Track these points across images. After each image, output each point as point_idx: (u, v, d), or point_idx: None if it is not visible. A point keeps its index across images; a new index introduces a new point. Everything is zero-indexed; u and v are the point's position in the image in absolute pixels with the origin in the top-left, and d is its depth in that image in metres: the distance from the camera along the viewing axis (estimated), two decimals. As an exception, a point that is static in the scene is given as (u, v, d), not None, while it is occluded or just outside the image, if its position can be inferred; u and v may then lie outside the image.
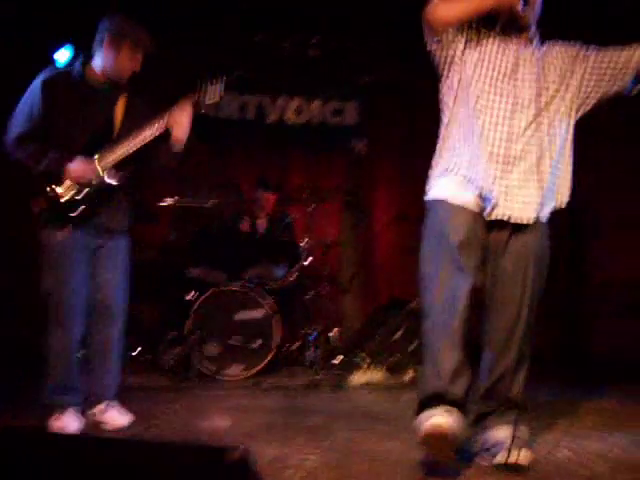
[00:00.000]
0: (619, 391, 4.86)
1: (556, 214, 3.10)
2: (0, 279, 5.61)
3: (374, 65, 6.54)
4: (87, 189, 3.54)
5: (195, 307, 5.11)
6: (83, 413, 3.68)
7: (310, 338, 5.46)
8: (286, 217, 5.99)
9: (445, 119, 3.16)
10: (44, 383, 3.61)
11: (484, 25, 3.09)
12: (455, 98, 3.11)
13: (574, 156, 3.11)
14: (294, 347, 5.50)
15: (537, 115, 3.02)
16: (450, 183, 3.04)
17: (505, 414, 3.06)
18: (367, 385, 5.05)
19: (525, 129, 2.99)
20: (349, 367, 5.35)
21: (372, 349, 5.43)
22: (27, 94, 3.61)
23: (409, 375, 5.08)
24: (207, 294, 5.16)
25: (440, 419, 2.84)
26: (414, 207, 3.23)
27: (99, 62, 3.64)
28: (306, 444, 3.38)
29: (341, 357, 5.41)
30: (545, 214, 3.04)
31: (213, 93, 3.70)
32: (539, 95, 3.04)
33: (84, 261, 3.61)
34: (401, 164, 6.64)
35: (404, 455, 3.22)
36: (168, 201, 5.32)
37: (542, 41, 3.16)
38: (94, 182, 3.54)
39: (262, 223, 6.03)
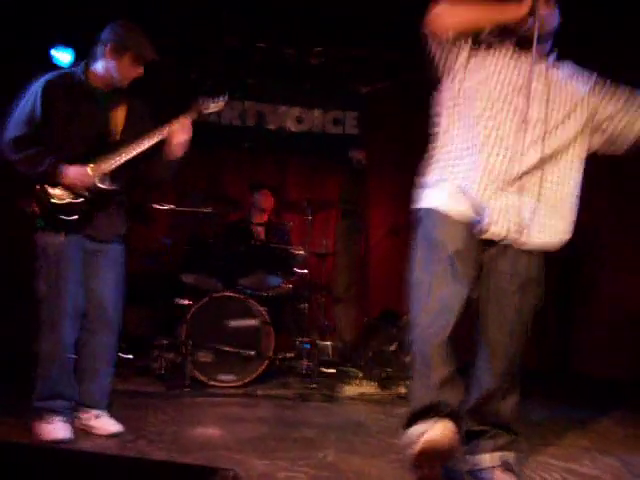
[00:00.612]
0: (610, 412, 4.85)
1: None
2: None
3: (375, 76, 6.54)
4: (83, 195, 3.52)
5: (189, 314, 5.08)
6: (73, 419, 3.64)
7: (303, 348, 5.44)
8: (284, 225, 5.98)
9: (441, 127, 3.07)
10: (35, 387, 3.59)
11: (497, 35, 3.02)
12: (455, 106, 3.03)
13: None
14: (287, 357, 5.48)
15: (543, 136, 2.93)
16: (445, 192, 2.96)
17: (495, 438, 2.99)
18: (360, 397, 5.04)
19: (529, 148, 2.91)
20: (342, 378, 5.34)
21: (365, 361, 5.42)
22: (27, 96, 3.57)
23: (402, 388, 5.06)
24: (201, 301, 5.13)
25: (433, 434, 2.70)
26: (411, 220, 3.20)
27: (100, 68, 3.62)
28: (296, 459, 3.36)
29: (334, 369, 5.39)
30: (543, 240, 2.96)
31: (215, 110, 3.80)
32: (548, 116, 2.95)
33: (79, 266, 3.59)
34: (399, 176, 6.62)
35: (396, 475, 3.21)
36: (165, 206, 5.30)
37: (560, 59, 3.08)
38: (90, 189, 3.52)
39: (261, 230, 6.01)
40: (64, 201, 3.51)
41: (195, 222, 5.75)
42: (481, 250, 2.96)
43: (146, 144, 3.56)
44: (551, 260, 3.04)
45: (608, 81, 3.07)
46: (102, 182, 3.54)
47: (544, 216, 2.95)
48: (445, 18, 2.94)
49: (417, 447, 2.71)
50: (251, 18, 6.04)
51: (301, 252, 5.60)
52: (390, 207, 6.71)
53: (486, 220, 2.89)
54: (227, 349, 5.05)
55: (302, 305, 5.59)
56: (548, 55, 3.05)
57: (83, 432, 3.64)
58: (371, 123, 6.58)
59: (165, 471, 1.72)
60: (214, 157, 6.60)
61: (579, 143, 3.03)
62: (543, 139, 2.94)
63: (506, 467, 2.94)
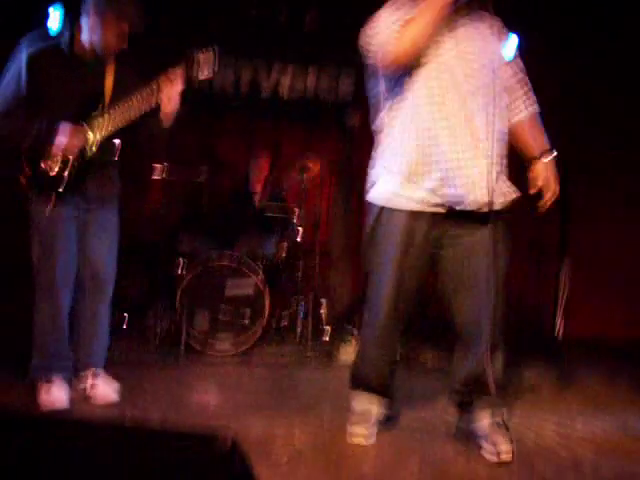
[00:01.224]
0: (600, 373, 4.89)
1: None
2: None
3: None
4: (74, 162, 3.49)
5: (184, 281, 5.08)
6: (71, 385, 3.68)
7: (299, 313, 5.45)
8: (279, 192, 5.95)
9: (388, 116, 3.21)
10: (32, 355, 3.63)
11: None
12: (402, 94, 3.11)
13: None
14: (283, 322, 5.50)
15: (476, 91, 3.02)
16: (397, 183, 3.10)
17: (487, 403, 3.13)
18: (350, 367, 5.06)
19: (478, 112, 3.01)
20: (338, 342, 5.36)
21: (361, 324, 5.44)
22: (11, 66, 3.53)
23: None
24: (196, 265, 5.13)
25: (359, 435, 3.19)
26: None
27: (85, 36, 3.55)
28: (294, 423, 3.39)
29: (329, 330, 5.41)
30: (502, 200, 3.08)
31: (206, 66, 3.61)
32: (483, 71, 3.03)
33: (72, 233, 3.61)
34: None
35: (391, 435, 3.25)
36: (158, 171, 5.27)
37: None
38: (83, 152, 3.50)
39: (258, 195, 5.98)
40: (54, 171, 3.49)
41: (190, 188, 5.72)
42: (438, 227, 3.09)
43: (136, 104, 3.50)
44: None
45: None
46: (97, 146, 3.53)
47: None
48: (394, 52, 3.00)
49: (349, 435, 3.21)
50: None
51: (295, 216, 5.59)
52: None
53: (455, 192, 3.00)
54: (223, 315, 5.05)
55: (297, 269, 5.58)
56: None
57: (80, 400, 3.65)
58: (365, 87, 6.53)
59: (163, 437, 1.73)
60: (208, 123, 6.55)
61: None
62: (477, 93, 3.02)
63: (499, 427, 3.11)
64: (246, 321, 5.07)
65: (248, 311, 5.08)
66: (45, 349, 3.62)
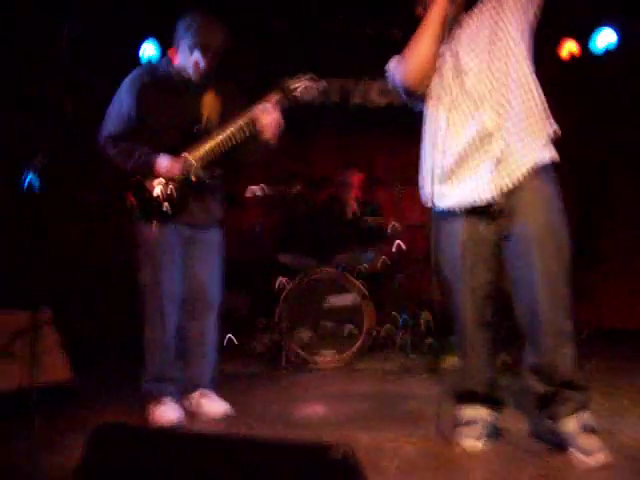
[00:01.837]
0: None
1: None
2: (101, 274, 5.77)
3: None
4: (177, 185, 3.62)
5: (285, 294, 5.14)
6: (180, 402, 3.75)
7: (403, 321, 5.43)
8: (374, 201, 5.95)
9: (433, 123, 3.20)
10: (143, 374, 3.72)
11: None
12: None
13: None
14: (385, 331, 5.48)
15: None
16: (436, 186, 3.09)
17: (568, 401, 2.97)
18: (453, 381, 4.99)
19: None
20: (443, 349, 5.30)
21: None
22: (118, 92, 3.72)
23: (502, 358, 4.98)
24: (297, 280, 5.18)
25: (472, 442, 3.10)
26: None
27: (179, 62, 3.72)
28: (401, 431, 3.36)
29: (434, 340, 5.35)
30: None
31: (298, 82, 3.73)
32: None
33: (178, 254, 3.70)
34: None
35: (500, 444, 3.18)
36: (255, 191, 5.35)
37: None
38: (184, 177, 3.61)
39: (351, 207, 6.01)
40: (159, 192, 3.62)
41: (286, 203, 5.78)
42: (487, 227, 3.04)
43: (231, 130, 3.60)
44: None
45: None
46: (199, 172, 3.63)
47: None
48: (411, 70, 3.14)
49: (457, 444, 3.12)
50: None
51: (395, 224, 5.57)
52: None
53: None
54: (325, 326, 5.08)
55: (398, 278, 5.57)
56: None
57: (191, 415, 3.74)
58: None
59: (275, 449, 1.74)
60: (300, 137, 6.61)
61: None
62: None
63: (587, 429, 2.93)
64: (348, 331, 5.08)
65: (349, 321, 5.09)
66: (154, 369, 3.70)
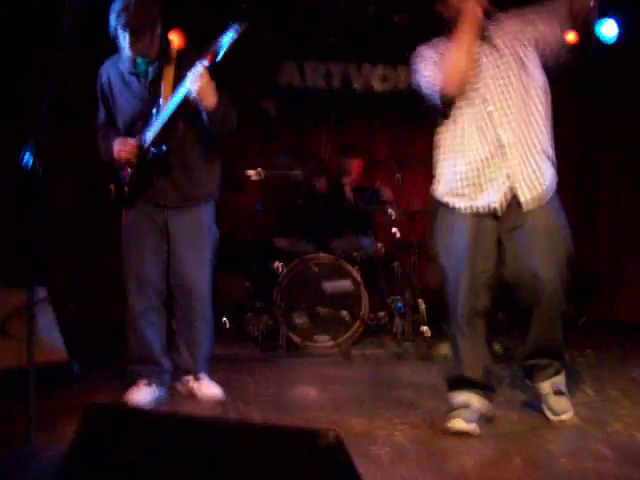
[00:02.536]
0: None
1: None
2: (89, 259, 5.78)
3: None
4: (135, 167, 3.60)
5: (282, 277, 5.14)
6: (164, 383, 3.77)
7: (397, 308, 5.44)
8: (374, 188, 5.95)
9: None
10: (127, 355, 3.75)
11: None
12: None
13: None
14: (381, 317, 5.49)
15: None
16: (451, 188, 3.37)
17: (547, 368, 3.38)
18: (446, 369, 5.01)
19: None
20: (437, 337, 5.32)
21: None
22: (97, 92, 3.78)
23: (497, 346, 5.00)
24: (294, 264, 5.18)
25: (462, 425, 3.17)
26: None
27: (124, 52, 3.58)
28: (393, 418, 3.39)
29: (428, 327, 5.37)
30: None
31: (226, 39, 3.36)
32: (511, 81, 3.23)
33: (154, 236, 3.67)
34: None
35: (492, 430, 3.20)
36: (253, 173, 5.34)
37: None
38: (139, 157, 3.57)
39: (349, 192, 6.01)
40: (128, 175, 3.63)
41: (286, 186, 5.78)
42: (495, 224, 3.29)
43: (170, 103, 3.48)
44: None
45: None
46: (149, 149, 3.55)
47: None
48: (450, 81, 3.23)
49: (448, 428, 3.20)
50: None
51: (392, 212, 5.57)
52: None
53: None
54: (321, 311, 5.09)
55: (394, 265, 5.57)
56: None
57: (185, 398, 3.77)
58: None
59: (265, 433, 1.75)
60: (301, 120, 6.61)
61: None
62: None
63: (558, 391, 3.39)
64: (345, 317, 5.10)
65: (346, 305, 5.11)
66: (131, 351, 3.72)
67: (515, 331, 4.74)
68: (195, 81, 3.35)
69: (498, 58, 3.25)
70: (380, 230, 5.76)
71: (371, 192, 5.98)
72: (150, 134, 3.53)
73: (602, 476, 2.70)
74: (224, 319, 5.43)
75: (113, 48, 3.61)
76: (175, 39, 3.66)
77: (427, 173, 6.38)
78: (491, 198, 3.23)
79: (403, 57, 6.46)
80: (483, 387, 3.32)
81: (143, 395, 3.62)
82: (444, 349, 5.07)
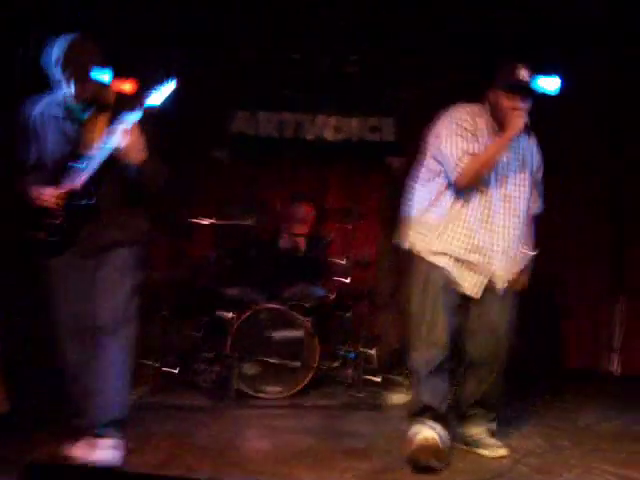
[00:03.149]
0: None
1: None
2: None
3: (410, 82, 6.51)
4: (61, 214, 3.43)
5: (233, 326, 5.09)
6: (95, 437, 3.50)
7: (349, 357, 5.42)
8: (324, 237, 5.96)
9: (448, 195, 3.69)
10: None
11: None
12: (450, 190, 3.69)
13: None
14: (332, 367, 5.46)
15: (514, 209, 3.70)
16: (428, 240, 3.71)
17: (483, 416, 3.81)
18: (405, 406, 4.98)
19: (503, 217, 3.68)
20: (388, 387, 5.31)
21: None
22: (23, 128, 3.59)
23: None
24: (246, 313, 5.14)
25: (428, 433, 3.50)
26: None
27: (63, 89, 3.46)
28: (344, 469, 3.36)
29: (379, 377, 5.35)
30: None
31: (155, 95, 3.37)
32: (519, 189, 3.73)
33: (78, 284, 3.51)
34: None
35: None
36: (204, 222, 5.32)
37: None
38: (62, 206, 3.41)
39: (301, 241, 6.01)
40: (49, 223, 3.45)
41: (237, 235, 5.76)
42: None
43: (97, 153, 3.36)
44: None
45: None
46: (78, 198, 3.40)
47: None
48: (473, 177, 3.56)
49: (413, 438, 3.53)
50: (285, 28, 6.07)
51: (343, 262, 5.59)
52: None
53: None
54: (272, 361, 5.05)
55: (346, 314, 5.57)
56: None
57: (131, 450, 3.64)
58: (408, 129, 6.54)
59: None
60: (254, 169, 6.62)
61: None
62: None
63: (492, 434, 3.82)
64: (296, 365, 5.06)
65: (297, 355, 5.07)
66: (70, 404, 3.58)
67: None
68: (123, 136, 3.28)
69: (520, 163, 3.70)
70: (331, 279, 5.76)
71: (322, 241, 5.99)
72: (79, 183, 3.39)
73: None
74: (175, 369, 5.33)
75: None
76: (115, 86, 3.53)
77: (377, 224, 6.54)
78: (471, 286, 3.65)
79: (356, 108, 6.66)
80: (443, 418, 3.61)
81: (87, 450, 3.46)
82: (395, 398, 5.07)
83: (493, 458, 3.67)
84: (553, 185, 3.98)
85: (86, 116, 3.49)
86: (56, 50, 3.36)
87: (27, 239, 3.51)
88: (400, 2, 5.70)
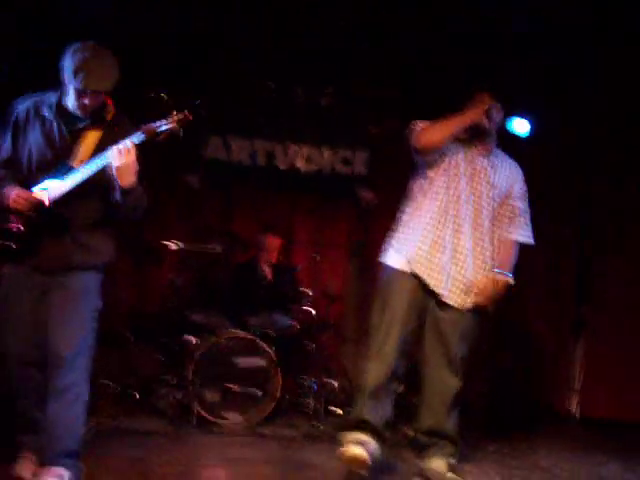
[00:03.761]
0: (617, 457, 4.79)
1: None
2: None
3: (384, 116, 6.58)
4: (31, 220, 3.25)
5: (197, 353, 5.07)
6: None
7: (311, 388, 5.42)
8: (293, 266, 5.97)
9: (411, 206, 3.95)
10: None
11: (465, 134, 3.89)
12: (423, 192, 3.91)
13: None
14: (295, 397, 5.45)
15: (477, 218, 3.84)
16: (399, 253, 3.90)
17: (443, 448, 3.86)
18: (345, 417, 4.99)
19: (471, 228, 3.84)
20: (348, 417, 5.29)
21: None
22: (6, 125, 3.43)
23: (409, 430, 5.01)
24: (208, 339, 5.12)
25: (355, 450, 3.64)
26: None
27: (64, 99, 3.37)
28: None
29: (341, 409, 5.35)
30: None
31: (166, 123, 3.32)
32: (483, 202, 3.86)
33: (32, 302, 3.34)
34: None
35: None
36: (173, 246, 5.31)
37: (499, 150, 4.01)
38: (33, 213, 3.24)
39: (268, 270, 6.02)
40: (9, 226, 3.26)
41: (205, 261, 5.75)
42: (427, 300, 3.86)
43: (86, 169, 3.24)
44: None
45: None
46: (50, 209, 3.24)
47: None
48: (428, 137, 3.76)
49: (342, 453, 3.70)
50: (261, 58, 6.12)
51: (309, 292, 5.60)
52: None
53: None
54: (234, 388, 5.02)
55: (310, 345, 5.57)
56: (492, 147, 3.96)
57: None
58: (380, 163, 6.60)
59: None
60: (224, 196, 6.63)
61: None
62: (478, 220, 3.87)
63: (452, 469, 3.85)
64: (257, 394, 5.04)
65: (260, 384, 5.06)
66: (17, 419, 3.44)
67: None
68: (120, 156, 3.17)
69: (486, 180, 3.86)
70: (297, 309, 5.77)
71: (290, 271, 6.00)
72: (55, 194, 3.23)
73: None
74: (136, 394, 5.29)
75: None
76: (114, 107, 3.45)
77: (345, 256, 6.56)
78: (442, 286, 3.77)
79: (328, 139, 6.71)
80: (379, 434, 3.75)
81: (28, 471, 3.39)
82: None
83: None
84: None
85: (79, 126, 3.36)
86: (72, 57, 3.23)
87: None
88: (373, 36, 5.78)
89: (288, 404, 5.42)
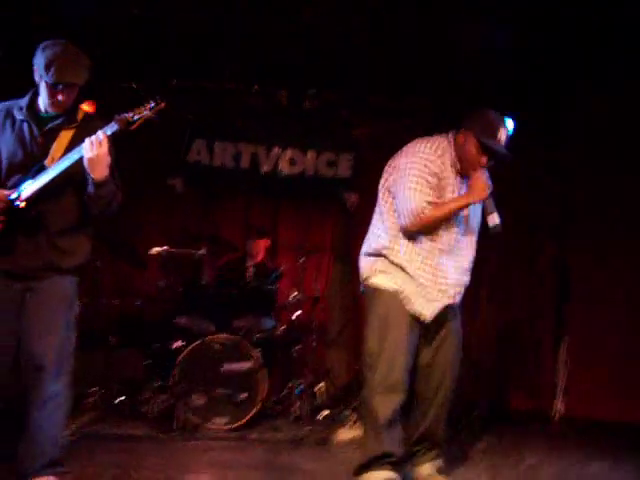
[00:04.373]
0: (600, 456, 4.81)
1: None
2: None
3: (367, 119, 6.59)
4: (4, 223, 3.22)
5: (181, 356, 5.05)
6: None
7: (296, 392, 5.41)
8: (276, 269, 5.96)
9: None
10: None
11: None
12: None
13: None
14: (280, 401, 5.44)
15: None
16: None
17: (430, 451, 3.83)
18: (353, 441, 4.97)
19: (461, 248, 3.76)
20: (335, 422, 5.29)
21: (359, 405, 5.38)
22: None
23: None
24: (194, 344, 5.10)
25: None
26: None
27: (39, 98, 3.36)
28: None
29: (326, 412, 5.35)
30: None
31: (138, 113, 3.31)
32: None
33: (7, 308, 3.28)
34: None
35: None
36: (157, 250, 5.29)
37: None
38: (8, 214, 3.21)
39: (252, 272, 5.99)
40: None
41: (189, 264, 5.73)
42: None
43: (59, 164, 3.23)
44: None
45: None
46: (23, 207, 3.20)
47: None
48: (425, 226, 3.60)
49: None
50: (245, 61, 6.11)
51: (294, 295, 5.60)
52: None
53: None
54: (220, 392, 5.01)
55: (295, 348, 5.56)
56: None
57: None
58: (364, 166, 6.60)
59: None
60: (208, 198, 6.61)
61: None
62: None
63: (440, 471, 3.84)
64: (242, 398, 5.02)
65: (244, 388, 5.04)
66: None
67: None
68: (92, 148, 3.15)
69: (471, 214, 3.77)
70: (281, 312, 5.76)
71: (273, 273, 5.99)
72: (27, 192, 3.20)
73: None
74: (122, 398, 5.26)
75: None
76: (86, 106, 3.49)
77: (329, 259, 6.55)
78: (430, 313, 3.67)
79: (312, 141, 6.70)
80: (402, 460, 3.69)
81: None
82: (341, 434, 5.05)
83: None
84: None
85: (51, 126, 3.34)
86: (43, 53, 3.23)
87: None
88: (358, 39, 5.78)
89: (273, 408, 5.41)
